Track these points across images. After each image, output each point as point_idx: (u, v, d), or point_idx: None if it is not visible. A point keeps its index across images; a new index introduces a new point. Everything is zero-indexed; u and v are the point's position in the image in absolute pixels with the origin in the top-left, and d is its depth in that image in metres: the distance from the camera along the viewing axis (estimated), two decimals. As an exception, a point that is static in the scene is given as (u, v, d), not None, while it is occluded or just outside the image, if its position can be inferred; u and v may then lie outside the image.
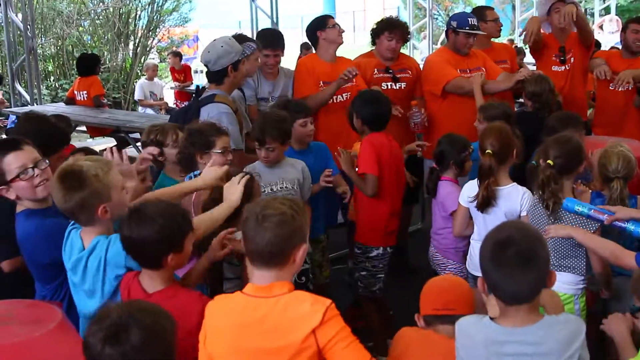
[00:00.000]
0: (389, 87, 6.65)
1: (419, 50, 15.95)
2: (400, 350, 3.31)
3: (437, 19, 27.02)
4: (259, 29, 10.11)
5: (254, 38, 6.78)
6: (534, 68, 7.20)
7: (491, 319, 2.83)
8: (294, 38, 12.89)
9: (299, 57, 9.27)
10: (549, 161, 4.22)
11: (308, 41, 7.36)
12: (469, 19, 6.61)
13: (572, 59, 7.27)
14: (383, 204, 5.25)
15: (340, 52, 6.76)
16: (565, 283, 4.17)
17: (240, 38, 5.89)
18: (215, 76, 5.47)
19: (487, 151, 4.59)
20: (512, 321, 2.77)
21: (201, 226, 3.56)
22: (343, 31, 6.63)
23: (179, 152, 4.61)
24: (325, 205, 5.60)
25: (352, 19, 37.23)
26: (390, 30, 6.65)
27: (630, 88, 7.04)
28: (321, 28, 6.55)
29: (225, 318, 2.97)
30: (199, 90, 5.59)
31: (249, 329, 2.88)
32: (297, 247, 2.94)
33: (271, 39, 6.58)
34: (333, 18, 6.79)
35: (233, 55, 5.36)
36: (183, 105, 9.91)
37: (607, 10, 21.12)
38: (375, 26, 6.83)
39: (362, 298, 5.43)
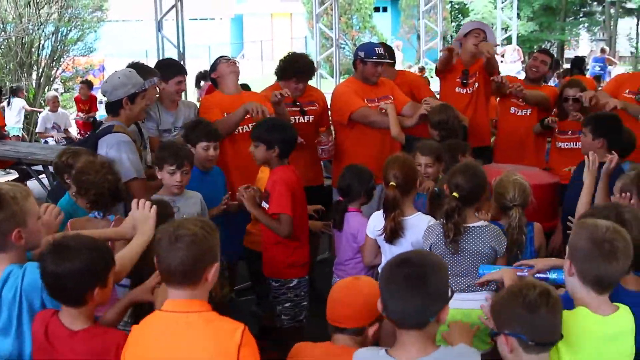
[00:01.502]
0: (297, 120, 6.65)
1: (326, 79, 16.06)
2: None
3: (344, 48, 27.31)
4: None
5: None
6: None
7: (387, 351, 2.84)
8: (201, 67, 12.79)
9: (196, 86, 9.20)
10: (454, 194, 4.26)
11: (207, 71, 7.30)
12: (376, 49, 6.67)
13: (476, 84, 7.44)
14: (296, 241, 5.22)
15: (248, 80, 6.73)
16: (481, 301, 4.18)
17: (138, 68, 5.79)
18: (111, 107, 5.34)
19: (390, 183, 4.60)
20: (406, 354, 2.78)
21: (124, 262, 3.50)
22: (234, 61, 6.59)
23: (96, 185, 4.37)
24: (229, 236, 5.54)
25: (260, 48, 37.33)
26: (298, 77, 6.69)
27: (529, 113, 7.26)
28: (213, 70, 6.55)
29: (145, 338, 2.97)
30: (97, 122, 5.50)
31: (170, 345, 2.89)
32: (210, 267, 2.97)
33: (179, 66, 6.59)
34: (224, 56, 6.73)
35: (130, 87, 5.21)
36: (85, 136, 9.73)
37: (508, 40, 21.63)
38: (279, 69, 6.81)
39: (286, 329, 5.35)
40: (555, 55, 32.90)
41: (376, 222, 4.82)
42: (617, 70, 21.32)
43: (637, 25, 42.02)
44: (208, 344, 2.88)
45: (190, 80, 8.57)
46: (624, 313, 3.11)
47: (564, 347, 2.86)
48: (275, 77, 6.90)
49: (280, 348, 5.31)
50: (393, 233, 4.61)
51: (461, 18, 35.51)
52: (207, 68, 8.70)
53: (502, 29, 21.96)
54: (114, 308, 3.59)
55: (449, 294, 2.83)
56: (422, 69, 16.85)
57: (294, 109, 6.70)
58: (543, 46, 35.61)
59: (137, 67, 5.88)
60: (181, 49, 11.09)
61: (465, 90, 7.45)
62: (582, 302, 3.01)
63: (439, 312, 2.78)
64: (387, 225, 4.62)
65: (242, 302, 6.33)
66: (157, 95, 6.09)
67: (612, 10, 37.33)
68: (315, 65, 6.85)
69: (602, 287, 3.05)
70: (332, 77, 14.87)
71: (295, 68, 6.72)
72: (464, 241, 4.27)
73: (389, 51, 7.30)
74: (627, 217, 3.35)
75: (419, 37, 20.34)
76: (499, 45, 7.21)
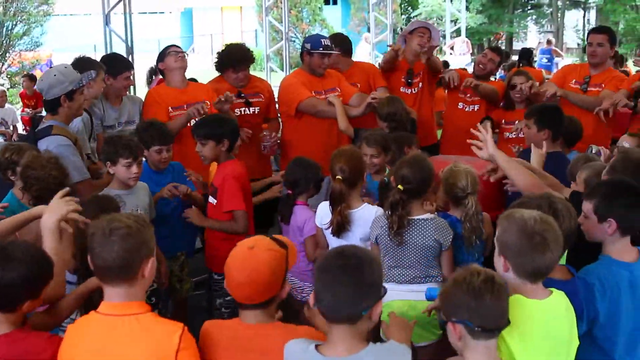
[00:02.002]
0: (242, 112, 6.62)
1: (276, 72, 16.00)
2: (203, 343, 3.19)
3: (294, 41, 27.27)
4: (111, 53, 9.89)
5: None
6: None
7: (316, 346, 2.83)
8: (151, 61, 12.64)
9: (148, 83, 9.11)
10: (399, 186, 4.28)
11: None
12: (322, 40, 6.69)
13: (420, 84, 7.46)
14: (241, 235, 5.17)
15: (199, 74, 6.68)
16: (432, 293, 4.24)
17: (84, 62, 5.71)
18: (49, 105, 5.20)
19: (337, 177, 4.61)
20: (335, 350, 2.78)
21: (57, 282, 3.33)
22: (182, 54, 6.51)
23: (40, 180, 4.31)
24: (183, 231, 5.53)
25: (210, 42, 37.14)
26: (235, 66, 6.65)
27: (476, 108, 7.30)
28: (161, 60, 6.49)
29: (82, 340, 2.92)
30: (35, 120, 5.38)
31: (106, 349, 2.84)
32: (146, 261, 2.95)
33: (127, 61, 6.56)
34: (175, 46, 6.66)
35: (67, 84, 5.08)
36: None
37: (458, 32, 21.81)
38: (217, 61, 6.78)
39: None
40: (504, 48, 33.30)
41: (323, 213, 4.83)
42: (564, 62, 21.58)
43: (584, 17, 42.65)
44: (145, 349, 2.84)
45: (139, 75, 8.50)
46: (558, 296, 3.16)
47: (509, 334, 2.89)
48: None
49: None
50: (340, 227, 4.61)
51: (411, 11, 35.71)
52: (148, 69, 8.68)
53: (452, 21, 22.13)
54: (70, 296, 3.52)
55: (382, 292, 2.82)
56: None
57: (239, 100, 6.66)
58: (491, 38, 36.02)
59: (82, 61, 5.82)
60: (129, 44, 10.94)
61: (410, 90, 7.47)
62: (517, 290, 3.03)
63: (372, 307, 2.77)
64: (333, 219, 4.62)
65: (195, 297, 6.29)
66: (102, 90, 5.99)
67: (559, 3, 37.81)
68: (251, 52, 6.77)
69: (537, 278, 3.09)
70: (282, 70, 14.83)
71: (230, 58, 6.69)
72: (409, 234, 4.30)
73: (345, 41, 7.39)
74: (559, 207, 3.39)
75: (368, 29, 20.35)
76: (439, 45, 7.23)
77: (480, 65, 7.57)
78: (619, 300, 3.42)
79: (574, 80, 7.06)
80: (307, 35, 12.15)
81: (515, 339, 2.93)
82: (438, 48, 29.10)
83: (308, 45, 6.69)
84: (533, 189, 3.98)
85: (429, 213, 4.41)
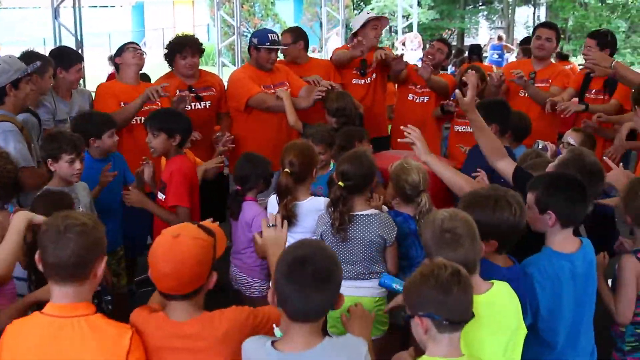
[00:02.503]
0: (193, 107, 6.54)
1: (228, 67, 15.95)
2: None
3: (246, 36, 27.18)
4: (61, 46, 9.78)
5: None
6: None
7: (273, 342, 2.83)
8: (102, 55, 12.55)
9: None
10: (340, 183, 4.31)
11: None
12: (269, 35, 6.68)
13: (373, 75, 7.49)
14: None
15: (150, 69, 6.64)
16: (376, 288, 4.26)
17: (32, 56, 5.64)
18: None
19: (285, 170, 4.61)
20: (293, 345, 2.79)
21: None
22: (140, 52, 6.47)
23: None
24: (131, 229, 5.53)
25: (162, 36, 36.88)
26: (181, 50, 6.58)
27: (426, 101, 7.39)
28: (118, 54, 6.44)
29: (25, 342, 2.86)
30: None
31: (53, 351, 2.80)
32: (99, 259, 2.93)
33: (77, 54, 6.47)
34: (135, 43, 6.64)
35: (11, 73, 5.01)
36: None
37: (409, 28, 21.86)
38: (166, 50, 6.73)
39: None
40: (455, 43, 33.53)
41: (272, 206, 4.84)
42: (514, 57, 21.78)
43: (534, 13, 43.09)
44: (95, 351, 2.81)
45: (89, 69, 8.41)
46: (500, 286, 3.21)
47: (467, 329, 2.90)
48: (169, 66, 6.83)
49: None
50: (286, 220, 4.61)
51: (363, 6, 35.72)
52: (108, 56, 8.59)
53: (404, 16, 22.15)
54: (13, 307, 3.48)
55: None
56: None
57: (190, 95, 6.55)
58: (444, 34, 36.25)
59: (30, 55, 5.76)
60: (79, 37, 10.83)
61: (363, 81, 7.50)
62: None
63: (336, 302, 2.82)
64: (279, 212, 4.60)
65: (143, 294, 6.24)
66: (52, 85, 5.93)
67: (510, -1, 38.17)
68: (199, 41, 6.77)
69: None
70: (235, 65, 14.77)
71: (176, 43, 6.67)
72: (353, 229, 4.31)
73: (305, 35, 7.43)
74: (510, 201, 3.44)
75: (321, 24, 20.35)
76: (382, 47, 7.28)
77: (429, 56, 7.63)
78: (560, 291, 3.49)
79: None
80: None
81: (472, 333, 2.96)
82: (390, 44, 29.18)
83: (255, 40, 6.69)
84: (467, 186, 4.06)
85: (373, 209, 4.42)
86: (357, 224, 4.31)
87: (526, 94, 7.05)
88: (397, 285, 3.96)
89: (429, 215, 3.32)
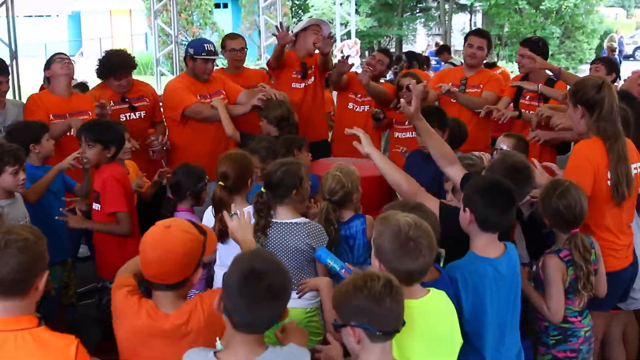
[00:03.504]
0: (128, 117, 6.53)
1: (166, 76, 15.88)
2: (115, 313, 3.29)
3: (184, 45, 27.01)
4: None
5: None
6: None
7: (215, 353, 2.83)
8: (38, 66, 12.35)
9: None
10: (220, 182, 4.35)
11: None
12: (205, 45, 6.64)
13: (312, 78, 7.52)
14: (131, 238, 5.13)
15: (88, 79, 6.55)
16: (307, 299, 4.24)
17: None
18: None
19: (219, 183, 4.60)
20: (236, 356, 2.79)
21: None
22: (68, 61, 6.39)
23: None
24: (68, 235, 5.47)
25: (99, 46, 36.50)
26: (115, 74, 6.55)
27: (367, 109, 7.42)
28: (47, 67, 6.38)
29: None
30: None
31: None
32: (41, 274, 2.90)
33: (3, 65, 6.37)
34: (62, 54, 6.56)
35: None
36: None
37: (348, 35, 21.97)
38: (97, 68, 6.66)
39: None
40: (393, 50, 33.76)
41: (208, 219, 4.82)
42: (455, 62, 21.99)
43: (470, 20, 43.65)
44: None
45: (25, 80, 8.30)
46: (436, 294, 3.24)
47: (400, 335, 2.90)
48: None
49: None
50: (221, 232, 4.59)
51: (302, 14, 35.86)
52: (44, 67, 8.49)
53: (342, 24, 22.23)
54: None
55: None
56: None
57: (123, 105, 6.58)
58: (382, 41, 36.51)
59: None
60: (13, 48, 10.68)
61: (302, 85, 7.50)
62: None
63: (283, 314, 2.84)
64: (215, 224, 4.60)
65: (85, 306, 6.17)
66: None
67: (446, 6, 38.56)
68: (132, 58, 6.72)
69: (411, 281, 3.15)
70: (173, 74, 14.72)
71: (110, 66, 6.59)
72: (275, 237, 4.29)
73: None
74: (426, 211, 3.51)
75: (260, 32, 20.34)
76: (335, 40, 7.32)
77: (370, 67, 7.66)
78: (483, 295, 3.52)
79: (450, 83, 7.20)
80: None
81: (405, 339, 2.96)
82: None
83: (191, 51, 6.65)
84: (406, 190, 4.10)
85: (302, 217, 4.39)
86: (280, 232, 4.28)
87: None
88: (331, 262, 3.95)
89: (385, 215, 3.24)
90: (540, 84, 6.36)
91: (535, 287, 4.26)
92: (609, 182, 4.35)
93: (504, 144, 5.54)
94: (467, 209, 3.64)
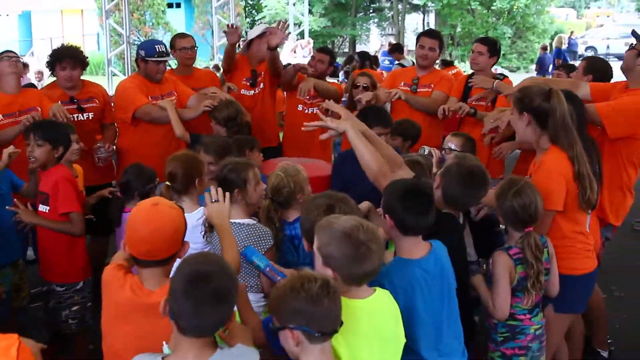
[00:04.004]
0: (76, 118, 6.42)
1: (117, 76, 15.76)
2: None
3: (137, 44, 26.85)
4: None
5: None
6: None
7: (163, 358, 2.81)
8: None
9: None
10: (166, 182, 4.36)
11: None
12: (157, 46, 6.58)
13: (262, 84, 7.49)
14: (80, 239, 5.12)
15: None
16: (252, 302, 4.19)
17: None
18: None
19: (166, 183, 4.58)
20: (184, 358, 2.76)
21: None
22: (16, 59, 6.27)
23: None
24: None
25: (50, 46, 36.09)
26: (61, 61, 6.43)
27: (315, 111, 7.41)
28: None
29: None
30: None
31: None
32: None
33: None
34: (10, 51, 6.41)
35: None
36: None
37: (301, 35, 22.02)
38: (47, 59, 6.57)
39: (70, 334, 5.25)
40: (347, 50, 33.85)
41: None
42: (407, 63, 22.13)
43: (423, 20, 43.97)
44: None
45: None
46: (381, 294, 3.23)
47: (335, 338, 2.87)
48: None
49: (69, 352, 5.26)
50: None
51: (255, 14, 35.83)
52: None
53: (295, 24, 22.30)
54: None
55: None
56: (217, 67, 16.79)
57: (71, 106, 6.46)
58: (335, 41, 36.62)
59: None
60: (-39, 47, 10.54)
61: (252, 92, 7.48)
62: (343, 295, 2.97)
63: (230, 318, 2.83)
64: None
65: (32, 309, 6.09)
66: None
67: (399, 6, 38.80)
68: (81, 52, 6.63)
69: (363, 282, 3.14)
70: (125, 74, 14.62)
71: (56, 53, 6.52)
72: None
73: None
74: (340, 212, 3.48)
75: (213, 33, 20.29)
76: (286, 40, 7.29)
77: (311, 68, 7.66)
78: (414, 297, 3.48)
79: (402, 82, 7.26)
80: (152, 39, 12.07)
81: (340, 341, 2.94)
82: (280, 50, 29.08)
83: (142, 52, 6.58)
84: (375, 171, 4.00)
85: (250, 219, 4.36)
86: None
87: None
88: (256, 261, 3.88)
89: (325, 223, 3.15)
90: (495, 81, 6.38)
91: (487, 283, 4.28)
92: (577, 190, 4.35)
93: (452, 143, 5.56)
94: (386, 215, 3.61)
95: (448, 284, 3.68)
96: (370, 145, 4.08)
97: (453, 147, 5.49)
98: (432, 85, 7.12)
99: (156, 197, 3.36)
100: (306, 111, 7.59)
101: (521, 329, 4.24)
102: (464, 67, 20.33)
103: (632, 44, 5.28)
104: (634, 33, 5.43)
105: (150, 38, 27.57)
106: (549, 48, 25.85)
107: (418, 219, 3.58)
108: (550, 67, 22.13)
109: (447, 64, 15.39)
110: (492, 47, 6.94)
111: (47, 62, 6.56)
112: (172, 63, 7.38)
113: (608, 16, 56.95)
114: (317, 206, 3.57)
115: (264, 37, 7.40)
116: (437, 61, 8.85)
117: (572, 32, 40.74)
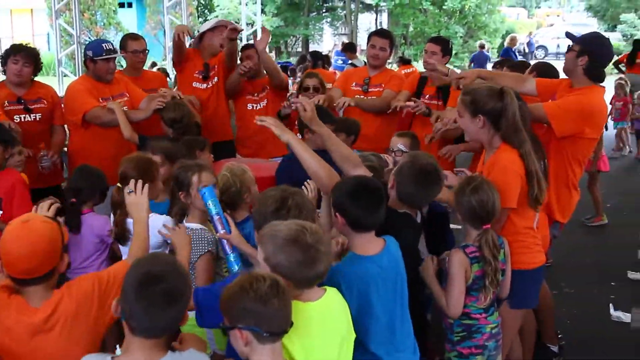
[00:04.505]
0: (22, 119, 6.34)
1: (68, 77, 15.57)
2: None
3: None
4: None
5: None
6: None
7: (112, 358, 2.80)
8: None
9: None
10: (118, 184, 4.34)
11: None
12: (104, 45, 6.52)
13: (215, 78, 7.47)
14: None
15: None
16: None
17: None
18: None
19: (117, 185, 4.54)
20: (134, 358, 2.75)
21: None
22: None
23: None
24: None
25: (-1, 46, 35.58)
26: (15, 53, 6.37)
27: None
28: None
29: None
30: None
31: None
32: None
33: None
34: None
35: None
36: None
37: (254, 35, 21.94)
38: (1, 54, 6.50)
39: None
40: (300, 50, 33.81)
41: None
42: (359, 62, 22.19)
43: (376, 20, 44.11)
44: None
45: None
46: (331, 293, 3.24)
47: (289, 340, 2.91)
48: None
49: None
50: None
51: (207, 13, 35.64)
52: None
53: (248, 24, 22.19)
54: None
55: None
56: (164, 71, 16.63)
57: (18, 106, 6.37)
58: (288, 41, 36.60)
59: None
60: None
61: (204, 85, 7.46)
62: (294, 298, 3.00)
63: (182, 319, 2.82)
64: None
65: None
66: None
67: (352, 6, 38.88)
68: (33, 49, 6.59)
69: (315, 283, 3.14)
70: (75, 75, 14.43)
71: (11, 47, 6.47)
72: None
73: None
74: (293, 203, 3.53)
75: (165, 32, 20.13)
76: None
77: (248, 67, 7.57)
78: (368, 293, 3.50)
79: (354, 82, 7.30)
80: (104, 38, 11.95)
81: (295, 344, 2.95)
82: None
83: (90, 53, 6.50)
84: (326, 182, 3.98)
85: (196, 223, 4.35)
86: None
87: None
88: (210, 204, 4.04)
89: (269, 232, 3.11)
90: (450, 69, 6.40)
91: (441, 282, 4.31)
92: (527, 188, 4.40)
93: (400, 144, 5.58)
94: (337, 214, 3.61)
95: (402, 280, 3.71)
96: (316, 155, 4.06)
97: (402, 147, 5.51)
98: (383, 85, 7.16)
99: (28, 213, 3.29)
100: (256, 107, 7.56)
101: (477, 327, 4.27)
102: (417, 67, 20.41)
103: (569, 45, 5.36)
104: (568, 35, 5.54)
105: (101, 38, 27.33)
106: (485, 46, 26.07)
107: (368, 215, 3.60)
108: (490, 65, 22.28)
109: (405, 62, 15.49)
110: (445, 47, 7.01)
111: (1, 57, 6.48)
112: (122, 62, 7.33)
113: (558, 15, 57.77)
114: (270, 198, 3.56)
115: (216, 31, 7.42)
116: (390, 60, 8.86)
117: (530, 33, 41.33)
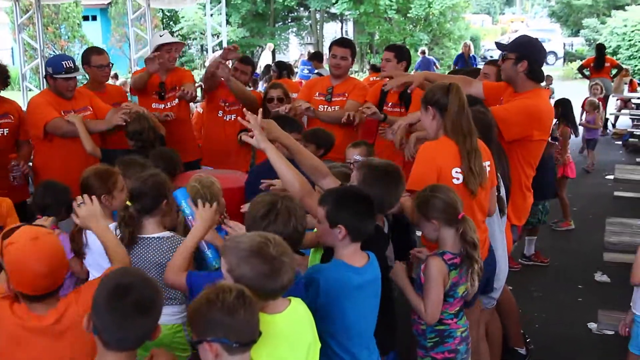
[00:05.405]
0: None
1: (32, 91, 15.47)
2: None
3: (52, 59, 26.35)
4: None
5: None
6: None
7: None
8: None
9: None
10: (127, 202, 4.29)
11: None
12: (64, 62, 6.43)
13: (176, 100, 7.40)
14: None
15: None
16: (172, 315, 4.21)
17: None
18: None
19: (78, 197, 4.50)
20: None
21: None
22: None
23: None
24: None
25: (-37, 61, 35.16)
26: None
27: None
28: None
29: None
30: None
31: None
32: None
33: None
34: None
35: None
36: None
37: (220, 46, 21.93)
38: None
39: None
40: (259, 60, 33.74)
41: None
42: (325, 72, 22.23)
43: (342, 29, 44.25)
44: None
45: None
46: (296, 304, 3.24)
47: (256, 353, 2.90)
48: None
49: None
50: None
51: (173, 25, 35.51)
52: None
53: (213, 35, 22.21)
54: None
55: None
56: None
57: None
58: (254, 51, 36.58)
59: None
60: None
61: (162, 105, 7.38)
62: (260, 310, 2.98)
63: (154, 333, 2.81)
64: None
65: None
66: None
67: (317, 16, 38.98)
68: (7, 71, 6.57)
69: (278, 296, 3.13)
70: (40, 89, 14.36)
71: None
72: (140, 252, 4.19)
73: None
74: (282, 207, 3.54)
75: (130, 45, 20.05)
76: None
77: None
78: (345, 301, 3.54)
79: (317, 92, 7.31)
80: (67, 52, 11.88)
81: (263, 357, 2.95)
82: (201, 62, 28.98)
83: (50, 70, 6.44)
84: (298, 190, 3.97)
85: (168, 231, 4.32)
86: (145, 247, 4.20)
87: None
88: (184, 206, 4.08)
89: (232, 243, 3.12)
90: (403, 73, 6.43)
91: (415, 288, 4.31)
92: (456, 180, 4.42)
93: (355, 154, 5.58)
94: (339, 226, 3.61)
95: (376, 297, 3.78)
96: (291, 165, 4.07)
97: (358, 157, 5.49)
98: (347, 94, 7.15)
99: (26, 230, 3.19)
100: (225, 118, 7.55)
101: (449, 332, 4.30)
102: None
103: (503, 53, 5.48)
104: (498, 45, 5.67)
105: (65, 52, 27.14)
106: (426, 52, 26.33)
107: (368, 223, 3.69)
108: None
109: (376, 70, 15.53)
110: (399, 53, 7.07)
111: None
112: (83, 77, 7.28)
113: (522, 22, 58.25)
114: (260, 202, 3.57)
115: (162, 49, 7.34)
116: (352, 68, 8.87)
117: (505, 37, 41.62)
